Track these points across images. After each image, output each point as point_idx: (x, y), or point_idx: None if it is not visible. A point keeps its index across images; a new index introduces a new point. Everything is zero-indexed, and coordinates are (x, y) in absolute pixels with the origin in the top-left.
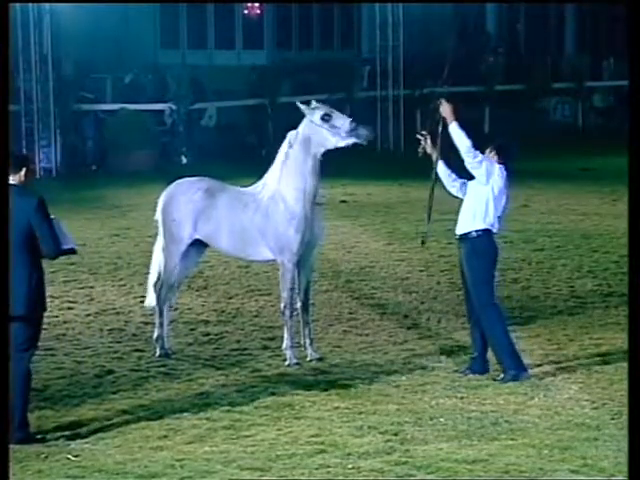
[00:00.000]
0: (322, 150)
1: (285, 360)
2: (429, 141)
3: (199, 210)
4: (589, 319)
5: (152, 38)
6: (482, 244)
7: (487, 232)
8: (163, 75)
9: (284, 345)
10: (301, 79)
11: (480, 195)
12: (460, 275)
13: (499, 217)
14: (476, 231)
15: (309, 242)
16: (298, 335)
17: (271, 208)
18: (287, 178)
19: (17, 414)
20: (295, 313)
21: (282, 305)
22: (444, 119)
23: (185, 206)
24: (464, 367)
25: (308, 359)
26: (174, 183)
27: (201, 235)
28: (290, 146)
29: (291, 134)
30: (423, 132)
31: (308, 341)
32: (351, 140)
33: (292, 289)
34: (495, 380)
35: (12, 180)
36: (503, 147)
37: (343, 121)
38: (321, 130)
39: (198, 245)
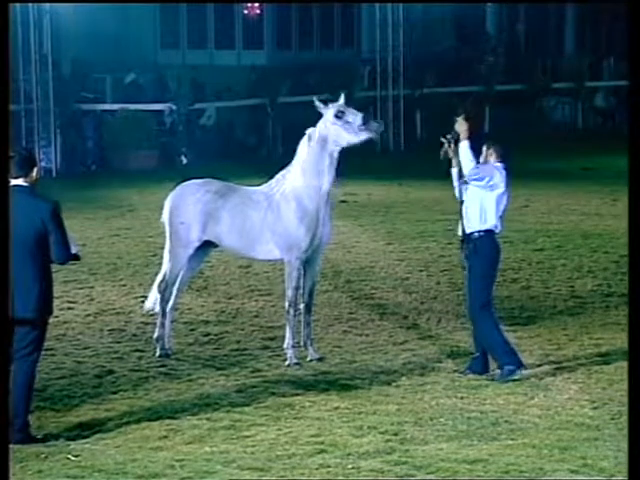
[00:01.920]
0: (338, 148)
1: (285, 360)
2: (452, 145)
3: (208, 212)
4: (589, 319)
5: (152, 38)
6: (483, 245)
7: (489, 233)
8: (163, 75)
9: (285, 344)
10: (301, 79)
11: (482, 197)
12: (464, 275)
13: (500, 217)
14: (478, 232)
15: (318, 243)
16: (298, 335)
17: (283, 206)
18: (304, 176)
19: (19, 416)
20: (298, 312)
21: (286, 304)
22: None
23: (194, 209)
24: (464, 367)
25: (308, 359)
26: (181, 185)
27: (210, 237)
28: (309, 144)
29: (310, 131)
30: (448, 136)
31: (309, 341)
32: (364, 135)
33: (297, 288)
34: (494, 380)
35: (24, 182)
36: (500, 145)
37: (355, 116)
38: (336, 127)
39: (204, 246)
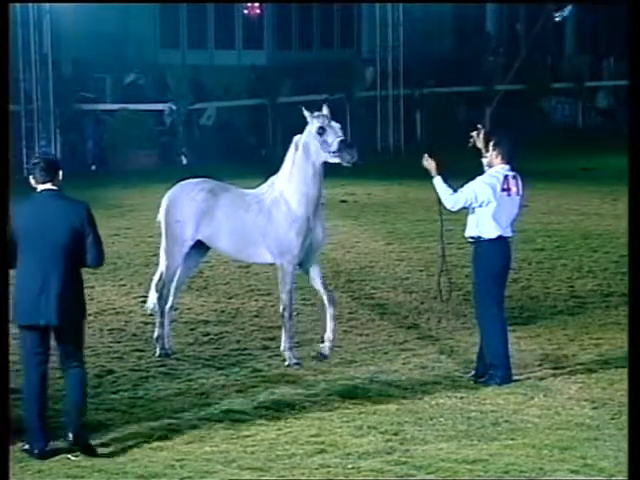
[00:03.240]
0: (320, 160)
1: (285, 360)
2: (481, 136)
3: (202, 211)
4: (589, 319)
5: (152, 38)
6: (481, 250)
7: (488, 240)
8: (163, 75)
9: (282, 347)
10: (301, 79)
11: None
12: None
13: (511, 223)
14: (475, 237)
15: (311, 244)
16: (298, 335)
17: (274, 210)
18: (292, 182)
19: (39, 420)
20: (293, 315)
21: (281, 307)
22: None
23: (189, 207)
24: (465, 369)
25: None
26: (177, 184)
27: (202, 236)
28: (296, 150)
29: (296, 138)
30: (479, 125)
31: (331, 336)
32: (336, 160)
33: (291, 291)
34: (471, 378)
35: (52, 186)
36: (503, 144)
37: (334, 139)
38: (315, 142)
39: (200, 245)
